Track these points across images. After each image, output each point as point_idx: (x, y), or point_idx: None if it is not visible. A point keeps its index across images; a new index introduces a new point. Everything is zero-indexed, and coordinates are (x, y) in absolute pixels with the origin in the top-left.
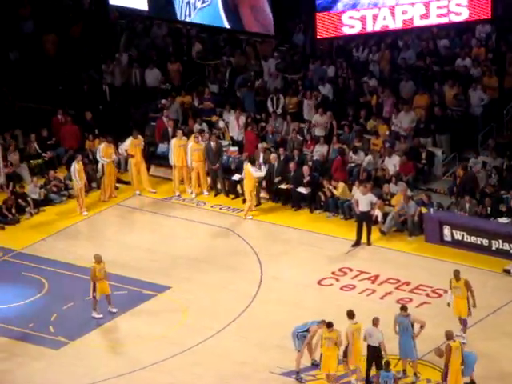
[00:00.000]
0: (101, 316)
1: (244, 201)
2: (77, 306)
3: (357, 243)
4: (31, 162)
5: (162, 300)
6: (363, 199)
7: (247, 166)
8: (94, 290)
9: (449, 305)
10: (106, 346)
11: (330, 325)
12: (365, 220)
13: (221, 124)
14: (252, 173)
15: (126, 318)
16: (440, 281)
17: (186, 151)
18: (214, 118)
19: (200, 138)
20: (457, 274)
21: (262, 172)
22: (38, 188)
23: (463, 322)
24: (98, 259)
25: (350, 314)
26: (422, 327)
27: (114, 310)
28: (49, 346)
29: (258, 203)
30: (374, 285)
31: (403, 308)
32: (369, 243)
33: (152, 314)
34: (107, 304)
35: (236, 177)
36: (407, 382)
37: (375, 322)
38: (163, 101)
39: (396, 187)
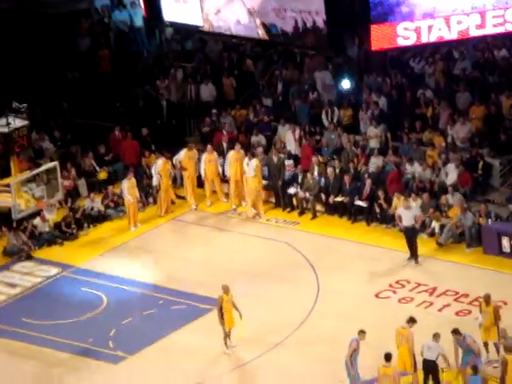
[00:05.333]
0: (234, 345)
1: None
2: (135, 321)
3: (411, 256)
4: (90, 178)
5: None
6: (406, 214)
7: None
8: (223, 323)
9: (480, 326)
10: (165, 361)
11: (387, 357)
12: (409, 235)
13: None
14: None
15: (184, 332)
16: (499, 293)
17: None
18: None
19: (255, 152)
20: (487, 298)
21: (250, 172)
22: (95, 204)
23: (495, 346)
24: (226, 289)
25: (411, 320)
26: (476, 355)
27: (233, 344)
28: (108, 361)
29: (314, 216)
30: (431, 297)
31: (454, 332)
32: (416, 261)
33: (209, 329)
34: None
35: (292, 190)
36: None
37: (436, 336)
38: (214, 110)
39: (453, 198)
